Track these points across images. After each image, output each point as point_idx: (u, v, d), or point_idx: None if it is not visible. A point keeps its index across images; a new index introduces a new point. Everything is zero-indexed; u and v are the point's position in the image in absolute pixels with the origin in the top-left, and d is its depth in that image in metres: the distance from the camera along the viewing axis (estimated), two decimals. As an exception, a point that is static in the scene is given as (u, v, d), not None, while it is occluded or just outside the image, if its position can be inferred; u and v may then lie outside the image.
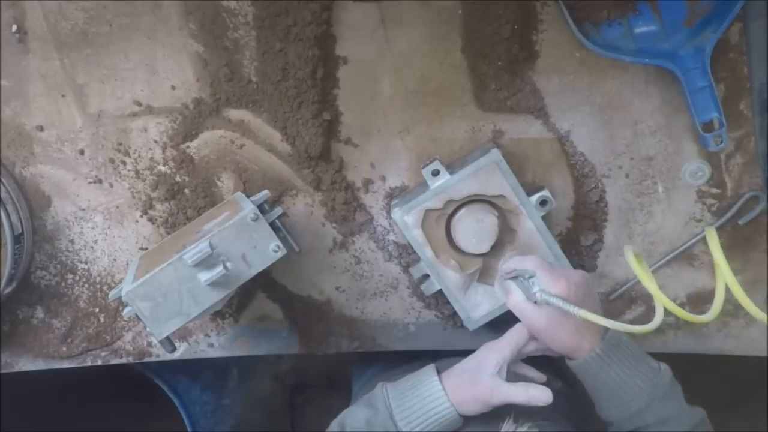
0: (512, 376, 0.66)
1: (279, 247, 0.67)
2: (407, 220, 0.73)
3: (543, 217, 0.73)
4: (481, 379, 0.64)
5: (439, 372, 0.68)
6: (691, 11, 0.69)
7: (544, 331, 0.64)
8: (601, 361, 0.63)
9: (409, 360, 0.84)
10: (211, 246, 0.64)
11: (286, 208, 0.79)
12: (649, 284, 0.63)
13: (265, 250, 0.67)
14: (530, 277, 0.65)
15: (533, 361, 0.80)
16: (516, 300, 0.65)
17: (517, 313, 0.66)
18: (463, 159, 0.75)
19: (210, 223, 0.69)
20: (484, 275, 0.76)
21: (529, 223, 0.73)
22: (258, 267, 0.67)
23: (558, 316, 0.63)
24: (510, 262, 0.69)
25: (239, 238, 0.65)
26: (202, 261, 0.64)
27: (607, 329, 0.64)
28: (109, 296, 0.71)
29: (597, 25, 0.72)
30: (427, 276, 0.77)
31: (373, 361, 0.95)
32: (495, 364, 0.65)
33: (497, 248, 0.75)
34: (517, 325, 0.67)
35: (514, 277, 0.67)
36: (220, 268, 0.65)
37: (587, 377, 0.65)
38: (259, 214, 0.66)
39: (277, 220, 0.70)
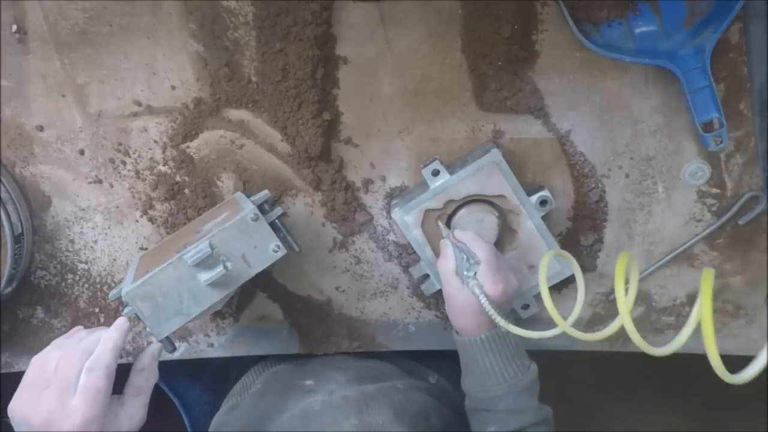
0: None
1: (279, 247, 0.67)
2: (407, 220, 0.73)
3: (543, 217, 0.73)
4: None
5: None
6: (691, 11, 0.69)
7: (456, 307, 0.68)
8: (482, 346, 0.66)
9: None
10: (211, 246, 0.64)
11: (286, 208, 0.79)
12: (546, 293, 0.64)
13: (265, 250, 0.67)
14: (474, 262, 0.67)
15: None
16: (447, 268, 0.68)
17: (443, 278, 0.69)
18: (463, 159, 0.75)
19: (210, 223, 0.69)
20: (484, 275, 0.76)
21: (529, 223, 0.73)
22: (258, 267, 0.67)
23: (474, 304, 0.66)
24: (464, 235, 0.70)
25: (239, 238, 0.65)
26: (202, 261, 0.64)
27: (498, 329, 0.67)
28: (109, 296, 0.71)
29: (597, 25, 0.72)
30: (427, 276, 0.77)
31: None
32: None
33: (497, 248, 0.75)
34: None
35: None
36: (220, 268, 0.65)
37: (465, 354, 0.68)
38: (259, 214, 0.66)
39: (277, 220, 0.70)
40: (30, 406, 0.55)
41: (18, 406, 0.56)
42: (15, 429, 0.56)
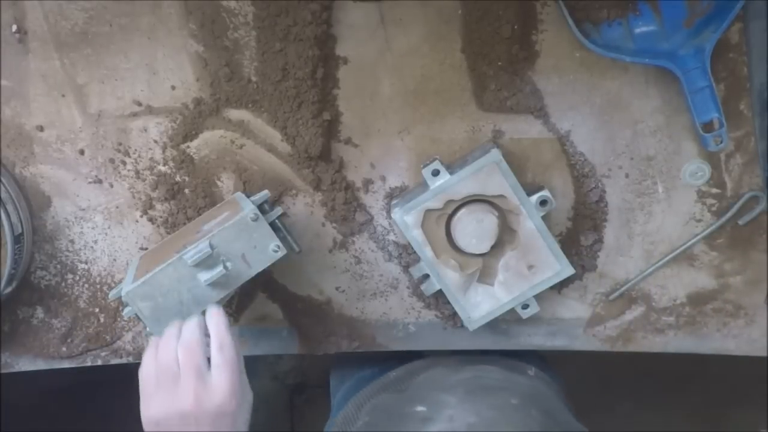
0: None
1: (279, 247, 0.67)
2: (407, 220, 0.73)
3: (543, 217, 0.73)
4: None
5: None
6: (691, 11, 0.69)
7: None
8: None
9: (387, 368, 0.85)
10: (211, 246, 0.64)
11: (286, 208, 0.79)
12: None
13: (265, 250, 0.67)
14: None
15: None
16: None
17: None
18: (463, 159, 0.75)
19: (210, 223, 0.69)
20: (484, 275, 0.76)
21: (529, 223, 0.73)
22: (258, 267, 0.67)
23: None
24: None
25: (239, 238, 0.65)
26: (202, 261, 0.64)
27: None
28: (109, 296, 0.71)
29: (597, 25, 0.72)
30: (427, 276, 0.77)
31: (352, 367, 0.95)
32: None
33: (497, 248, 0.75)
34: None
35: None
36: (220, 268, 0.65)
37: None
38: (259, 214, 0.66)
39: (277, 220, 0.70)
40: (173, 398, 0.57)
41: (156, 408, 0.58)
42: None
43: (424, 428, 0.68)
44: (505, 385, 0.77)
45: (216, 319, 0.62)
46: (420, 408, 0.71)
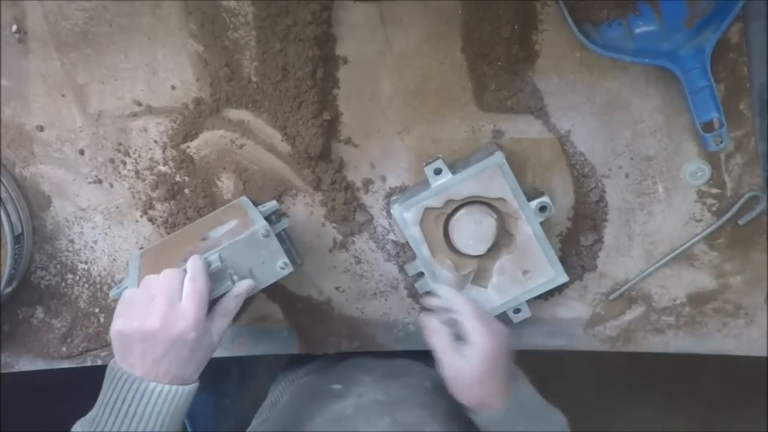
0: None
1: (286, 264, 0.67)
2: (406, 217, 0.73)
3: (541, 223, 0.73)
4: None
5: None
6: (691, 11, 0.69)
7: (469, 384, 0.63)
8: (509, 417, 0.63)
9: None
10: (221, 259, 0.64)
11: (286, 208, 0.79)
12: None
13: (272, 267, 0.67)
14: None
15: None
16: (443, 345, 0.64)
17: (442, 358, 0.64)
18: (465, 160, 0.75)
19: (216, 229, 0.69)
20: (479, 277, 0.76)
21: (527, 228, 0.73)
22: (264, 282, 0.67)
23: (488, 371, 0.62)
24: (441, 291, 0.67)
25: (248, 253, 0.65)
26: (212, 274, 0.64)
27: (510, 386, 0.64)
28: (111, 295, 0.71)
29: (597, 25, 0.72)
30: (421, 274, 0.76)
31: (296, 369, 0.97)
32: None
33: (493, 251, 0.75)
34: None
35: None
36: (228, 283, 0.65)
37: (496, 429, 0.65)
38: (270, 230, 0.66)
39: (282, 232, 0.70)
40: (142, 316, 0.59)
41: (124, 321, 0.60)
42: (119, 347, 0.60)
43: (334, 403, 0.71)
44: (422, 373, 0.79)
45: (193, 259, 0.64)
46: (336, 386, 0.75)
